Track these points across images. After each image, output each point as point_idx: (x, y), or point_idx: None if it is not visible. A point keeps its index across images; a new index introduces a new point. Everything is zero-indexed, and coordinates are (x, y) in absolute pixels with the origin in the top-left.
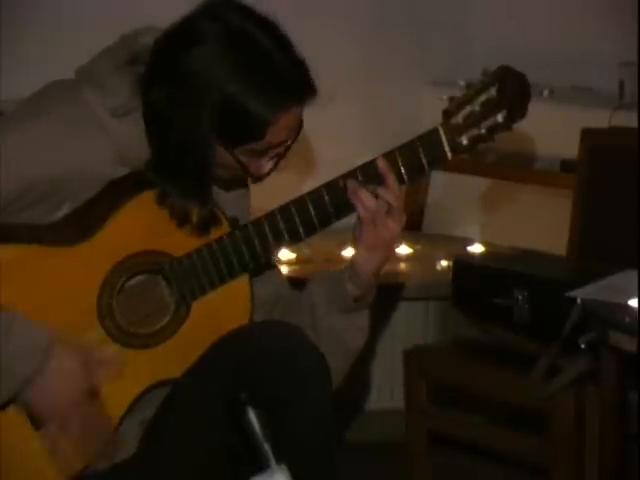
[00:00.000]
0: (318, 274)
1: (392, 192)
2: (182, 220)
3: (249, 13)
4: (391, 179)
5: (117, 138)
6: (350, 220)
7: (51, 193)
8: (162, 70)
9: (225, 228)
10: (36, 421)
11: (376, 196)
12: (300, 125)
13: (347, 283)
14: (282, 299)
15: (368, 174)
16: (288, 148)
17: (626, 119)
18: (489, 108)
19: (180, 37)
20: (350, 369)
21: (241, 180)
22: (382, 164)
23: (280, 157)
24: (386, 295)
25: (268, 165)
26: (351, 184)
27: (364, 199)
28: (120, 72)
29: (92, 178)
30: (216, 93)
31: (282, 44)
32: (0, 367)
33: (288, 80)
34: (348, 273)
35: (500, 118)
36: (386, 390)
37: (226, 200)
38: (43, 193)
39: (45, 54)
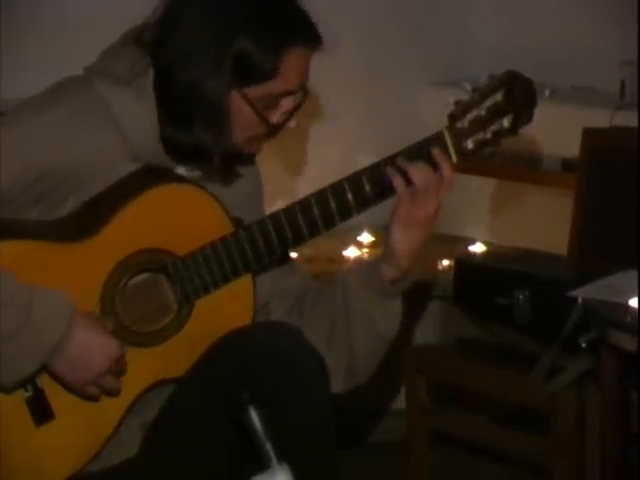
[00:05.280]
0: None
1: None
2: (202, 160)
3: None
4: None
5: (128, 128)
6: (352, 221)
7: (61, 183)
8: (171, 17)
9: (229, 227)
10: (68, 388)
11: (408, 181)
12: (307, 75)
13: (382, 264)
14: (311, 289)
15: (373, 177)
16: (298, 106)
17: (627, 119)
18: (495, 113)
19: None
20: (383, 359)
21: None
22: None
23: (293, 110)
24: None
25: (282, 117)
26: (400, 161)
27: (413, 172)
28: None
29: (101, 168)
30: (229, 38)
31: None
32: (26, 339)
33: (296, 19)
34: (383, 254)
35: (506, 123)
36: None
37: (236, 193)
38: (54, 184)
39: (46, 54)
